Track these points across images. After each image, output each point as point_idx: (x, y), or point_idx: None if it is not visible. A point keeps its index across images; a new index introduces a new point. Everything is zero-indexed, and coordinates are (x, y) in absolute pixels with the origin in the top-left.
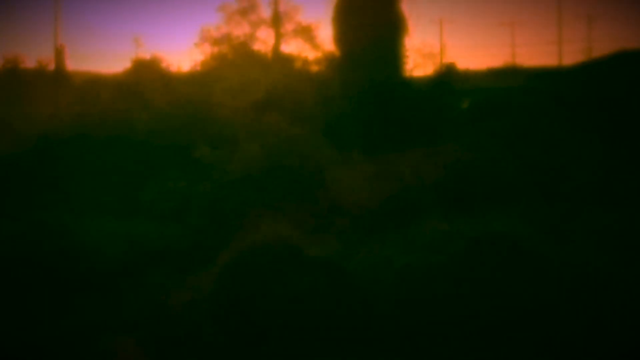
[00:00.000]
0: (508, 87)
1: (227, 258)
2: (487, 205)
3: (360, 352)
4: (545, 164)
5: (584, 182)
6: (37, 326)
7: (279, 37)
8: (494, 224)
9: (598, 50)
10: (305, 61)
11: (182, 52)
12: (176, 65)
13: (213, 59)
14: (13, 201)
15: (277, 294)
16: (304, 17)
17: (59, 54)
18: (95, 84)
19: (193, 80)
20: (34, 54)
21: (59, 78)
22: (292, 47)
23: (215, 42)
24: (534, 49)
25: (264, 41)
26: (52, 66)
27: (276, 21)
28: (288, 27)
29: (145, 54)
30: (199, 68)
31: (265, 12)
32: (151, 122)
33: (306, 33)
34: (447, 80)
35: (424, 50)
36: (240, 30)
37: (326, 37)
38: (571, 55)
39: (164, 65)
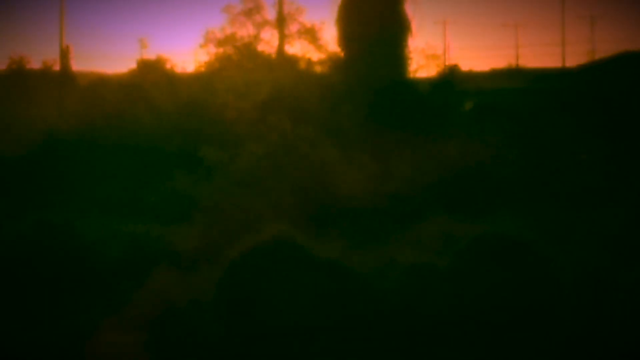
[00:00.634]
0: (511, 88)
1: (232, 258)
2: (491, 206)
3: (365, 350)
4: (549, 165)
5: (587, 183)
6: (42, 325)
7: (283, 38)
8: (497, 225)
9: (601, 52)
10: (309, 62)
11: (187, 53)
12: (181, 66)
13: (217, 59)
14: (19, 201)
15: (281, 294)
16: (308, 19)
17: (64, 55)
18: (101, 84)
19: (198, 81)
20: (40, 55)
21: (64, 79)
22: (296, 48)
23: (220, 43)
24: (537, 51)
25: (268, 42)
26: (57, 67)
27: (280, 22)
28: (292, 28)
29: (150, 55)
30: (203, 69)
31: (270, 14)
32: (156, 123)
33: (310, 34)
34: (451, 81)
35: (428, 52)
36: (244, 31)
37: (330, 39)
38: (574, 57)
39: (168, 66)
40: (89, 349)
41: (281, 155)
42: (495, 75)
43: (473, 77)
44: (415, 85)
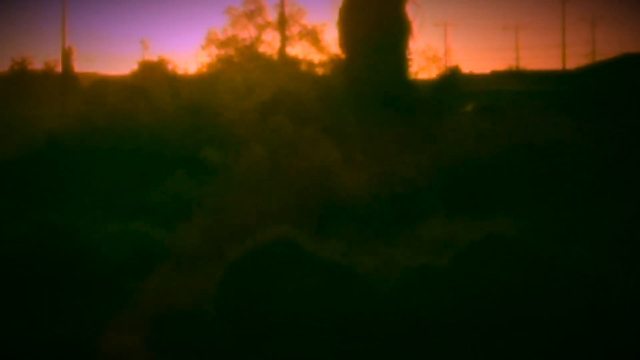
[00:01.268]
0: (512, 90)
1: (233, 259)
2: (491, 207)
3: (366, 351)
4: (549, 166)
5: (588, 184)
6: (43, 325)
7: (284, 39)
8: (498, 225)
9: (602, 54)
10: (311, 64)
11: (189, 55)
12: (183, 67)
13: (219, 61)
14: (21, 201)
15: (283, 294)
16: (310, 20)
17: (66, 56)
18: (103, 86)
19: (199, 82)
20: (42, 56)
21: (66, 80)
22: (298, 49)
23: (222, 44)
24: (538, 53)
25: (269, 44)
26: (59, 68)
27: (282, 24)
28: (294, 30)
29: (152, 57)
30: (205, 70)
31: (271, 15)
32: (158, 124)
33: (311, 36)
34: (452, 83)
35: (429, 54)
36: (246, 33)
37: (331, 40)
38: (575, 59)
39: (170, 67)
40: (91, 349)
41: (282, 156)
42: (496, 77)
43: (474, 79)
44: (416, 87)
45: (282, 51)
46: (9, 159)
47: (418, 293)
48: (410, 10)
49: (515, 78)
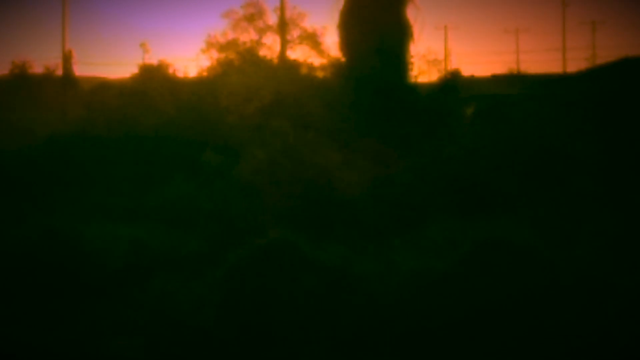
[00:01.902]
0: (512, 93)
1: (233, 262)
2: (492, 210)
3: (366, 354)
4: (549, 169)
5: (588, 187)
6: (42, 330)
7: (284, 43)
8: (498, 229)
9: (602, 58)
10: (311, 67)
11: (189, 58)
12: (183, 71)
13: (219, 64)
14: (20, 205)
15: (283, 299)
16: (310, 24)
17: (66, 59)
18: (103, 89)
19: (200, 85)
20: (42, 59)
21: (66, 83)
22: (298, 53)
23: (222, 48)
24: (539, 56)
25: (270, 47)
26: (59, 71)
27: (282, 28)
28: (294, 33)
29: (152, 60)
30: (205, 74)
31: (272, 19)
32: (158, 128)
33: (312, 39)
34: (452, 86)
35: (429, 57)
36: (246, 36)
37: (332, 44)
38: (575, 62)
39: (170, 70)
40: (89, 354)
41: (283, 159)
42: (496, 80)
43: (474, 83)
44: (416, 90)
45: (282, 55)
46: (9, 162)
47: (420, 297)
48: (410, 14)
49: (515, 81)
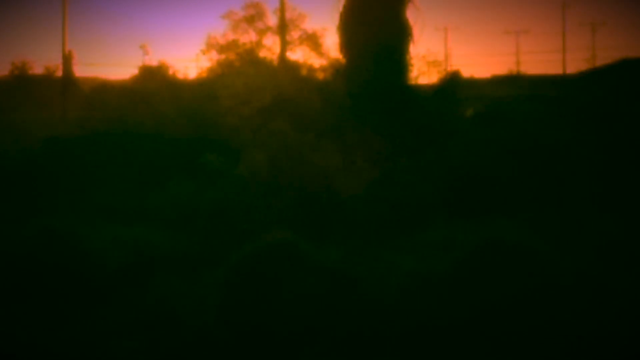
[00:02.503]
0: (512, 94)
1: (233, 263)
2: (492, 212)
3: (366, 356)
4: (549, 171)
5: (588, 189)
6: (41, 331)
7: (284, 44)
8: (498, 231)
9: (602, 59)
10: (311, 68)
11: (189, 59)
12: (183, 72)
13: (219, 65)
14: (19, 205)
15: (282, 300)
16: (310, 25)
17: (66, 60)
18: (103, 90)
19: (200, 87)
20: (42, 60)
21: (66, 84)
22: (298, 54)
23: (222, 49)
24: (538, 57)
25: (270, 48)
26: (59, 72)
27: (282, 29)
28: (294, 34)
29: (152, 61)
30: (205, 75)
31: (272, 20)
32: (158, 129)
33: (312, 40)
34: (452, 87)
35: (429, 58)
36: (246, 37)
37: (332, 45)
38: (575, 64)
39: (170, 72)
40: (90, 355)
41: (283, 161)
42: (496, 81)
43: (474, 84)
44: (416, 92)
45: (282, 56)
46: (9, 162)
47: (420, 297)
48: (411, 15)
49: (515, 83)
